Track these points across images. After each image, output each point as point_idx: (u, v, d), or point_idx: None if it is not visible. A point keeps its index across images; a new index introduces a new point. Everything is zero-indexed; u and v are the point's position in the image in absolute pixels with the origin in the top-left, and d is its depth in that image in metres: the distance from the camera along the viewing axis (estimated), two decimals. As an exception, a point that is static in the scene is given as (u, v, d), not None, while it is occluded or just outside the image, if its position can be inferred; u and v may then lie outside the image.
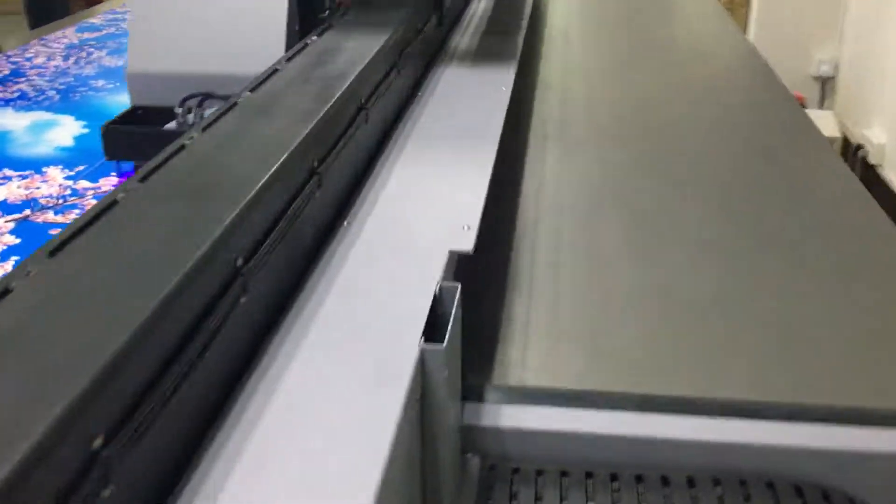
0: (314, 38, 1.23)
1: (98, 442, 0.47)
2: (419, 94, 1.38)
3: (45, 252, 0.62)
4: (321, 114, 0.93)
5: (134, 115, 1.16)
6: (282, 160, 0.80)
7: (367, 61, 1.12)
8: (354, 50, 1.17)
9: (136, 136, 1.19)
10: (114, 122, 1.13)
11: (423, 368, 0.70)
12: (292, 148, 0.83)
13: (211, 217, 0.68)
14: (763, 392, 0.83)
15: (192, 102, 1.20)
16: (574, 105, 1.67)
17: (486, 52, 1.64)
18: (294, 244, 0.82)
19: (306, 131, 0.88)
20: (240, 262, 0.69)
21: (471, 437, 0.81)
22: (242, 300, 0.68)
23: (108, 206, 0.70)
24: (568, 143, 1.45)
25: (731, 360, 0.88)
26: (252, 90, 1.01)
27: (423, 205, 1.00)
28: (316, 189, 0.88)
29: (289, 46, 1.26)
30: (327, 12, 1.38)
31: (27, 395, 0.46)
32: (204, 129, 0.89)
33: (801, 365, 0.87)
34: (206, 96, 1.19)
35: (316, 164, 0.90)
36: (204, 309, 0.62)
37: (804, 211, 1.23)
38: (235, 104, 0.96)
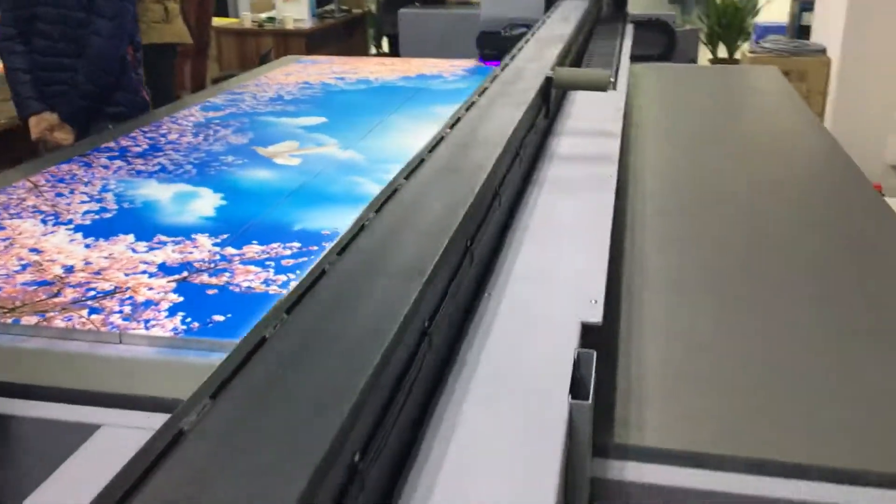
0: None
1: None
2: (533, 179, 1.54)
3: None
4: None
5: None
6: (445, 244, 0.96)
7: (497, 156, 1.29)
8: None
9: (499, 39, 3.46)
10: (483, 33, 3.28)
11: (570, 423, 0.83)
12: (453, 231, 0.99)
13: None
14: (864, 461, 0.93)
15: (508, 27, 3.52)
16: (656, 202, 1.80)
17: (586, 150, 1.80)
18: (455, 312, 0.97)
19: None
20: (426, 324, 0.84)
21: (597, 489, 0.93)
22: (427, 358, 0.83)
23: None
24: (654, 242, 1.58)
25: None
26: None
27: (553, 281, 1.14)
28: (469, 265, 1.03)
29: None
30: None
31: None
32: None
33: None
34: (512, 25, 3.50)
35: (469, 243, 1.05)
36: (403, 366, 0.77)
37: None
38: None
